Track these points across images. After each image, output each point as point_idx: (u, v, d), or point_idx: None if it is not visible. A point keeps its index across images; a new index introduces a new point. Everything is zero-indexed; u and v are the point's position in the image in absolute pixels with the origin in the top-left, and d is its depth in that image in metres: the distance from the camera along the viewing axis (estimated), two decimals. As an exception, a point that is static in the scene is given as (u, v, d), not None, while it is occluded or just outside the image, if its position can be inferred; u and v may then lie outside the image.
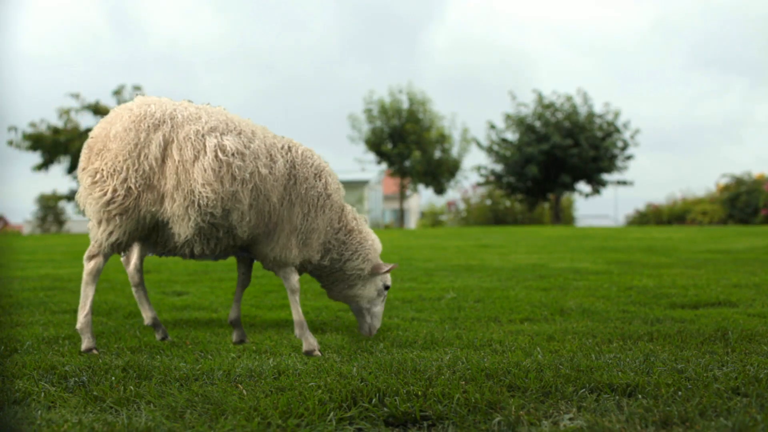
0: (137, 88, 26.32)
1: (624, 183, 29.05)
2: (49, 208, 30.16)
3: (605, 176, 28.83)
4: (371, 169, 34.94)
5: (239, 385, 2.72)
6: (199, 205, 3.25)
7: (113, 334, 3.94)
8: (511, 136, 29.49)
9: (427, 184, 29.54)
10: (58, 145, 25.22)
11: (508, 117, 29.48)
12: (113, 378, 2.79)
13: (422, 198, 41.76)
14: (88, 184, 3.35)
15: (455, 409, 2.41)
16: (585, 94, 29.01)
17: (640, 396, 2.58)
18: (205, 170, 3.25)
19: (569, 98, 28.96)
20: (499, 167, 29.42)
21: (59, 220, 30.53)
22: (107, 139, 3.34)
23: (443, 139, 29.12)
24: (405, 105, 29.21)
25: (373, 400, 2.50)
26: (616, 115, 28.64)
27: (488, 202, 30.48)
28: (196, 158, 3.27)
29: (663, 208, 27.85)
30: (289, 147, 3.63)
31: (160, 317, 4.51)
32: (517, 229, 20.86)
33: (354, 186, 35.91)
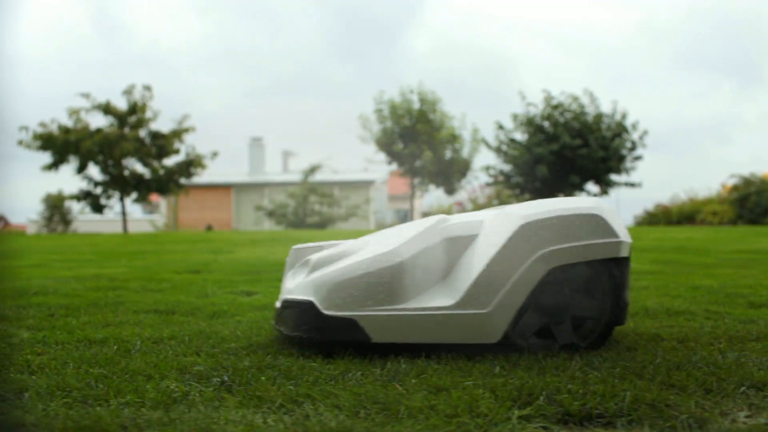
0: (147, 88, 26.01)
1: (632, 185, 29.09)
2: (56, 208, 30.03)
3: (614, 177, 28.88)
4: (375, 170, 34.85)
5: (398, 385, 2.67)
6: None
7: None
8: (520, 136, 29.50)
9: (438, 185, 29.53)
10: (68, 144, 25.03)
11: (515, 117, 29.48)
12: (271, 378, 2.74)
13: (425, 198, 41.77)
14: None
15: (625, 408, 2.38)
16: (591, 94, 29.09)
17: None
18: None
19: (576, 99, 29.00)
20: (508, 167, 29.42)
21: (65, 220, 30.39)
22: None
23: (454, 139, 29.11)
24: (416, 105, 29.18)
25: (541, 398, 2.46)
26: (624, 116, 28.69)
27: (495, 202, 30.50)
28: None
29: (672, 208, 27.93)
30: None
31: (245, 317, 4.45)
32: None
33: (360, 186, 35.83)
